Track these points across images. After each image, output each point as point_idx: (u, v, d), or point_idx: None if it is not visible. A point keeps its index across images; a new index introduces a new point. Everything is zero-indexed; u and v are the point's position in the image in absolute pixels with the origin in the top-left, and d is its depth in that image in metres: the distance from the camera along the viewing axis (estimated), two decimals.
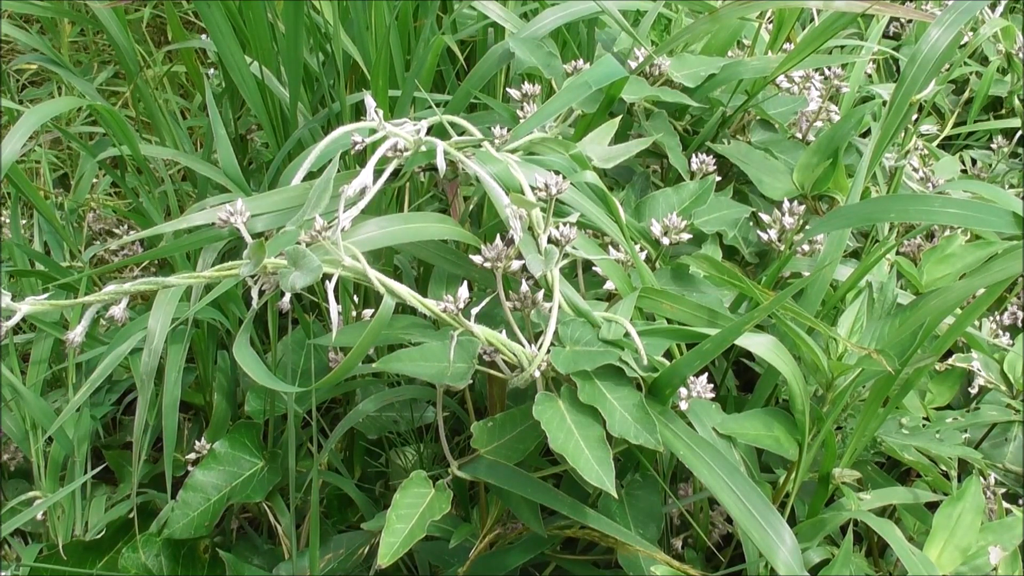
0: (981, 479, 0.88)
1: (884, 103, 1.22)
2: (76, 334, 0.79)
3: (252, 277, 0.75)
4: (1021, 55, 1.46)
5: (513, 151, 0.88)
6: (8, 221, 1.16)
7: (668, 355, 0.81)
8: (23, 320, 0.78)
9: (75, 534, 1.07)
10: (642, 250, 0.91)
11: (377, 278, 0.76)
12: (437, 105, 1.04)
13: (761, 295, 0.86)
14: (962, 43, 1.44)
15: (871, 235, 1.10)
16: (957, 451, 0.89)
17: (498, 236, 0.79)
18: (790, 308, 0.83)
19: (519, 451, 0.81)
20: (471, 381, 0.79)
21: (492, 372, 0.80)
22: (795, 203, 0.97)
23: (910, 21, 1.56)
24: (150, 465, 1.12)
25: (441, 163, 0.84)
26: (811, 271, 0.96)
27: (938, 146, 1.36)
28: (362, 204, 0.80)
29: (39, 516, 1.05)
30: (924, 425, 0.91)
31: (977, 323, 1.04)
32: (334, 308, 0.75)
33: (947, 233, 1.10)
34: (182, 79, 1.75)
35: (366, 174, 0.82)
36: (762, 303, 0.82)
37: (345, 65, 1.15)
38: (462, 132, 0.91)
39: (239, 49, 1.12)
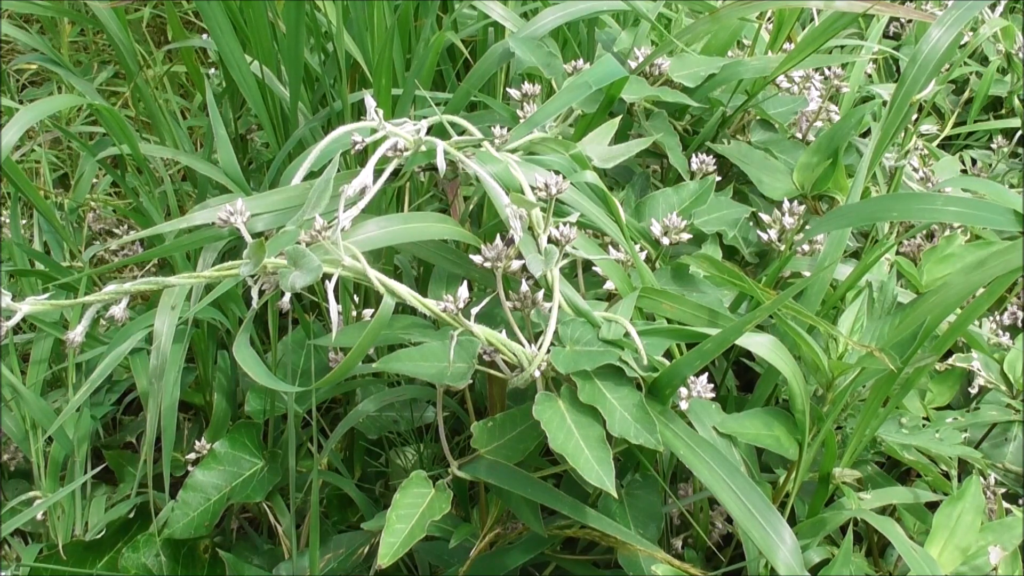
0: (981, 479, 0.88)
1: (884, 103, 1.22)
2: (76, 334, 0.79)
3: (252, 277, 0.75)
4: (1021, 55, 1.46)
5: (513, 151, 0.88)
6: (8, 221, 1.16)
7: (668, 355, 0.81)
8: (23, 320, 0.78)
9: (75, 534, 1.07)
10: (642, 250, 0.91)
11: (377, 278, 0.76)
12: (437, 104, 1.04)
13: (763, 294, 0.86)
14: (962, 43, 1.44)
15: (871, 235, 1.10)
16: (957, 451, 0.89)
17: (498, 236, 0.79)
18: (791, 307, 0.83)
19: (519, 451, 0.81)
20: (471, 381, 0.79)
21: (492, 372, 0.80)
22: (795, 203, 0.96)
23: (910, 21, 1.56)
24: (150, 465, 1.12)
25: (441, 163, 0.84)
26: (811, 271, 0.96)
27: (938, 146, 1.36)
28: (362, 204, 0.80)
29: (39, 516, 1.05)
30: (924, 425, 0.91)
31: (977, 323, 1.04)
32: (334, 308, 0.75)
33: (947, 233, 1.10)
34: (182, 79, 1.75)
35: (366, 174, 0.82)
36: (763, 303, 0.82)
37: (346, 64, 1.15)
38: (462, 132, 0.91)
39: (239, 48, 1.12)
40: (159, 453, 1.00)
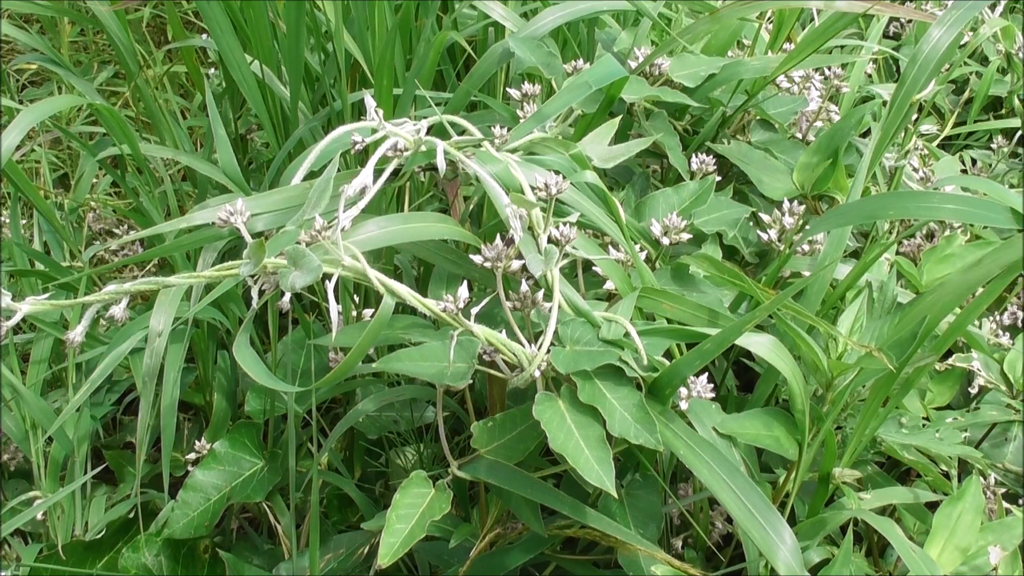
0: (981, 479, 0.88)
1: (884, 103, 1.22)
2: (76, 334, 0.79)
3: (252, 277, 0.75)
4: (1021, 55, 1.46)
5: (513, 151, 0.88)
6: (8, 221, 1.16)
7: (668, 355, 0.81)
8: (23, 320, 0.78)
9: (75, 534, 1.07)
10: (642, 250, 0.91)
11: (377, 278, 0.76)
12: (437, 104, 1.04)
13: (762, 294, 0.86)
14: (962, 43, 1.44)
15: (871, 235, 1.10)
16: (957, 451, 0.89)
17: (498, 236, 0.79)
18: (790, 307, 0.83)
19: (519, 451, 0.81)
20: (471, 381, 0.79)
21: (492, 372, 0.80)
22: (795, 203, 0.96)
23: (910, 21, 1.56)
24: (150, 465, 1.13)
25: (441, 163, 0.84)
26: (811, 271, 0.96)
27: (938, 146, 1.36)
28: (362, 204, 0.80)
29: (39, 516, 1.05)
30: (924, 425, 0.91)
31: (977, 323, 1.04)
32: (334, 308, 0.75)
33: (947, 233, 1.10)
34: (182, 79, 1.75)
35: (366, 174, 0.82)
36: (763, 303, 0.82)
37: (346, 64, 1.15)
38: (462, 132, 0.91)
39: (239, 48, 1.12)
40: (159, 453, 1.00)
